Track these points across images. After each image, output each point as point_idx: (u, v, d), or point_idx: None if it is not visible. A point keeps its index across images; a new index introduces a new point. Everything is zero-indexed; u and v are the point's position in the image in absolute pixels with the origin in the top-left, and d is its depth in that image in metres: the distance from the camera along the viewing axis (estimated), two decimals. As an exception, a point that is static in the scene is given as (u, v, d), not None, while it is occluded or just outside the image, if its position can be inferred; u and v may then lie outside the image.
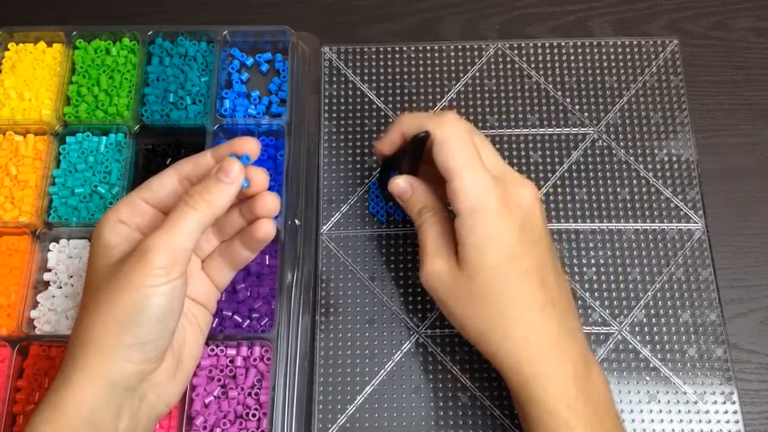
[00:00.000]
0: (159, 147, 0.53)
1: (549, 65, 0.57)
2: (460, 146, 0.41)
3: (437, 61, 0.57)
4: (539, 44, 0.58)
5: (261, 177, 0.40)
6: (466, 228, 0.40)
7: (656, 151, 0.54)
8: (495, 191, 0.40)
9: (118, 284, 0.36)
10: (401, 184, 0.45)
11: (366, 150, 0.54)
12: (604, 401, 0.41)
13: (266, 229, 0.41)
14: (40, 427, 0.35)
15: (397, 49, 0.58)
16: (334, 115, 0.56)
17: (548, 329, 0.40)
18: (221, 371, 0.47)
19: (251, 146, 0.40)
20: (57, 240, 0.51)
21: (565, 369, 0.40)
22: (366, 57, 0.57)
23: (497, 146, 0.54)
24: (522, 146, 0.54)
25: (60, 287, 0.49)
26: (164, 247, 0.36)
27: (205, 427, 0.45)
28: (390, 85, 0.57)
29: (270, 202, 0.41)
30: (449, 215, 0.43)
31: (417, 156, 0.44)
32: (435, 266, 0.42)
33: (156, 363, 0.38)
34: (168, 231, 0.36)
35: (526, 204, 0.41)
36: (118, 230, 0.38)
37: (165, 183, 0.40)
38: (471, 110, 0.56)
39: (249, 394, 0.46)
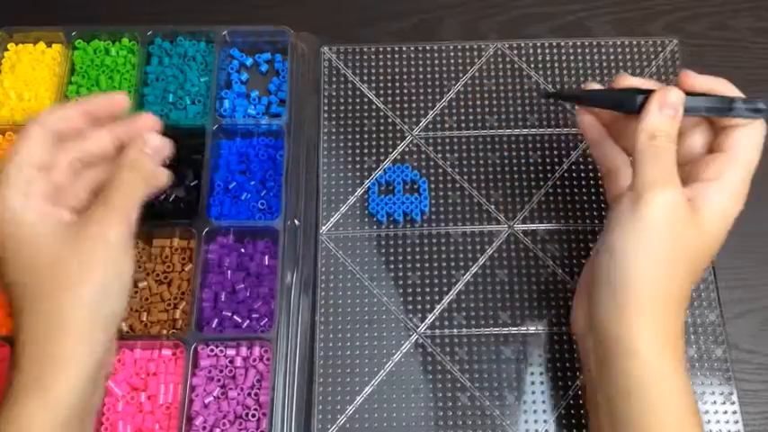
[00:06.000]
0: (159, 147, 0.53)
1: (548, 65, 0.57)
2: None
3: (437, 61, 0.57)
4: (538, 44, 0.58)
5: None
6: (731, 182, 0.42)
7: (655, 151, 0.54)
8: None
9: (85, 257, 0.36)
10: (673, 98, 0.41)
11: (366, 150, 0.54)
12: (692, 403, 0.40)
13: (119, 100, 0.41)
14: (36, 414, 0.34)
15: (396, 49, 0.58)
16: (334, 115, 0.56)
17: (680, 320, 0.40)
18: (221, 371, 0.47)
19: (149, 122, 0.41)
20: (56, 240, 0.50)
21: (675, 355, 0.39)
22: (366, 57, 0.57)
23: (497, 146, 0.54)
24: (522, 146, 0.54)
25: (60, 287, 0.49)
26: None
27: (205, 428, 0.45)
28: (390, 85, 0.56)
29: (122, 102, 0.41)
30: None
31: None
32: (670, 193, 0.40)
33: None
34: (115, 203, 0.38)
35: None
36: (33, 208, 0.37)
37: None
38: (471, 110, 0.56)
39: (249, 394, 0.46)
